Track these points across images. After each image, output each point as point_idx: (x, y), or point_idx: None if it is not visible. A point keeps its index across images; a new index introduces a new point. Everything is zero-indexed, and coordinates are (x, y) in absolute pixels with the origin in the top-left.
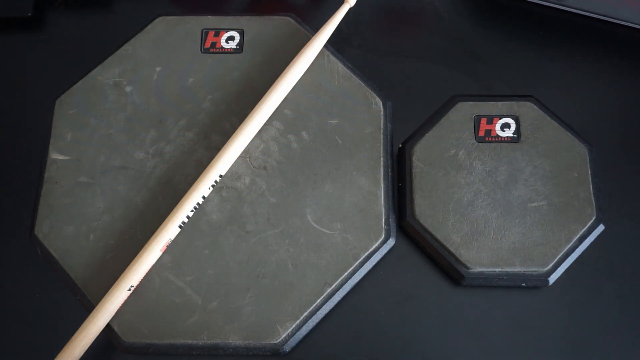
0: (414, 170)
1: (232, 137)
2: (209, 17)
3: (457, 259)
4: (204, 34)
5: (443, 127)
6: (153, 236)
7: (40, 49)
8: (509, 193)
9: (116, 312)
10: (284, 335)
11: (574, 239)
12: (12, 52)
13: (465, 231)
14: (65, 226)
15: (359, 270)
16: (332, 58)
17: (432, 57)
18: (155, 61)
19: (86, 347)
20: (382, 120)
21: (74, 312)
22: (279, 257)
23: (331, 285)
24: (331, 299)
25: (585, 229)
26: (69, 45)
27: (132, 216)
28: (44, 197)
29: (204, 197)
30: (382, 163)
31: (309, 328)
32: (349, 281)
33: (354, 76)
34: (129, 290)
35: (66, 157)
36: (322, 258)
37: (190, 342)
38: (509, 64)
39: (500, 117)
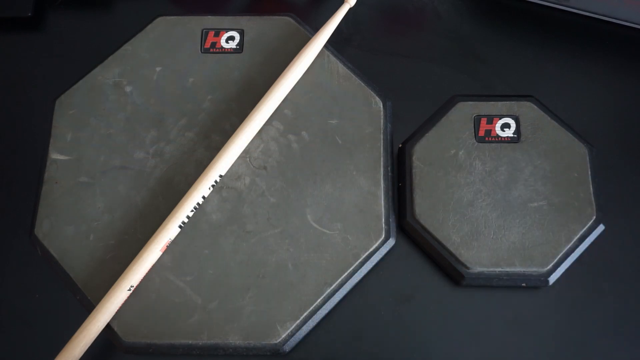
0: (414, 170)
1: (232, 137)
2: (209, 17)
3: (457, 259)
4: (204, 34)
5: (443, 127)
6: (153, 236)
7: (40, 49)
8: (509, 193)
9: (116, 312)
10: (284, 335)
11: (574, 239)
12: (12, 52)
13: (465, 231)
14: (65, 226)
15: (359, 270)
16: (332, 58)
17: (432, 57)
18: (155, 61)
19: (86, 347)
20: (382, 120)
21: (74, 312)
22: (279, 257)
23: (331, 285)
24: (331, 299)
25: (585, 229)
26: (69, 45)
27: (132, 216)
28: (44, 197)
29: (204, 197)
30: (382, 163)
31: (309, 328)
32: (349, 281)
33: (354, 76)
34: (129, 290)
35: (66, 157)
36: (322, 258)
37: (190, 342)
38: (509, 64)
39: (500, 117)
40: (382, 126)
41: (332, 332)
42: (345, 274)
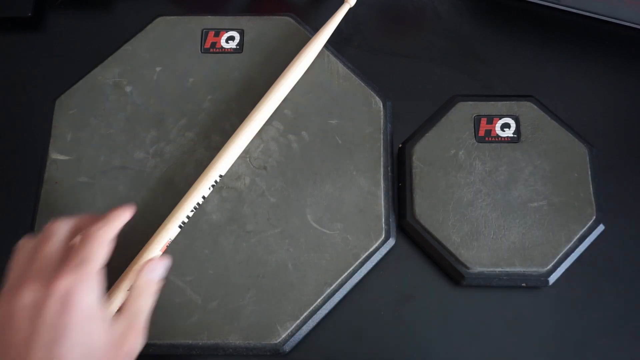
0: (414, 170)
1: (232, 137)
2: (209, 17)
3: (457, 259)
4: (204, 34)
5: (443, 127)
6: (153, 236)
7: (40, 49)
8: (509, 193)
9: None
10: (284, 335)
11: (574, 239)
12: (12, 52)
13: (465, 231)
14: None
15: (359, 271)
16: (332, 58)
17: (432, 57)
18: (155, 61)
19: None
20: (382, 120)
21: None
22: (279, 257)
23: (331, 285)
24: (331, 299)
25: (585, 229)
26: (69, 45)
27: (132, 216)
28: (44, 197)
29: (204, 197)
30: (382, 163)
31: (309, 328)
32: (349, 281)
33: (354, 76)
34: (128, 290)
35: (66, 157)
36: (322, 258)
37: (190, 342)
38: (509, 64)
39: (500, 117)
40: (382, 126)
41: (332, 332)
42: (345, 274)
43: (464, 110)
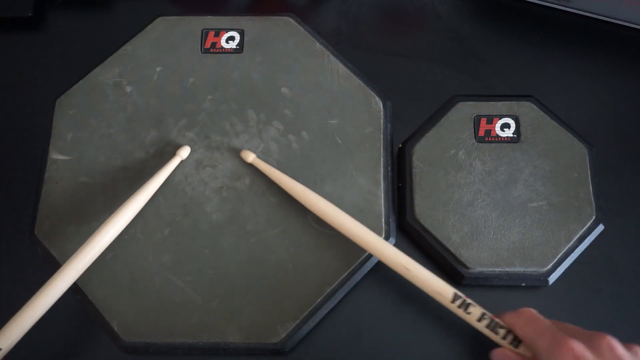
0: (414, 170)
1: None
2: (209, 17)
3: (457, 259)
4: (204, 34)
5: (443, 127)
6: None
7: (40, 49)
8: (509, 193)
9: (116, 312)
10: (284, 335)
11: (574, 239)
12: (12, 52)
13: (465, 231)
14: (65, 226)
15: (359, 270)
16: (332, 58)
17: (432, 57)
18: (155, 61)
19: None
20: (382, 120)
21: (74, 312)
22: (279, 257)
23: (331, 285)
24: (331, 299)
25: (585, 229)
26: (69, 45)
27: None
28: (44, 197)
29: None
30: (382, 163)
31: (309, 328)
32: (349, 281)
33: (354, 76)
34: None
35: (66, 157)
36: (322, 258)
37: (190, 342)
38: (509, 64)
39: (500, 117)
40: (382, 126)
41: (332, 332)
42: (345, 274)
43: (464, 110)
